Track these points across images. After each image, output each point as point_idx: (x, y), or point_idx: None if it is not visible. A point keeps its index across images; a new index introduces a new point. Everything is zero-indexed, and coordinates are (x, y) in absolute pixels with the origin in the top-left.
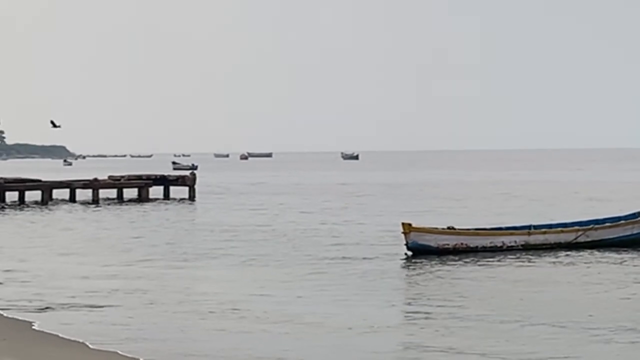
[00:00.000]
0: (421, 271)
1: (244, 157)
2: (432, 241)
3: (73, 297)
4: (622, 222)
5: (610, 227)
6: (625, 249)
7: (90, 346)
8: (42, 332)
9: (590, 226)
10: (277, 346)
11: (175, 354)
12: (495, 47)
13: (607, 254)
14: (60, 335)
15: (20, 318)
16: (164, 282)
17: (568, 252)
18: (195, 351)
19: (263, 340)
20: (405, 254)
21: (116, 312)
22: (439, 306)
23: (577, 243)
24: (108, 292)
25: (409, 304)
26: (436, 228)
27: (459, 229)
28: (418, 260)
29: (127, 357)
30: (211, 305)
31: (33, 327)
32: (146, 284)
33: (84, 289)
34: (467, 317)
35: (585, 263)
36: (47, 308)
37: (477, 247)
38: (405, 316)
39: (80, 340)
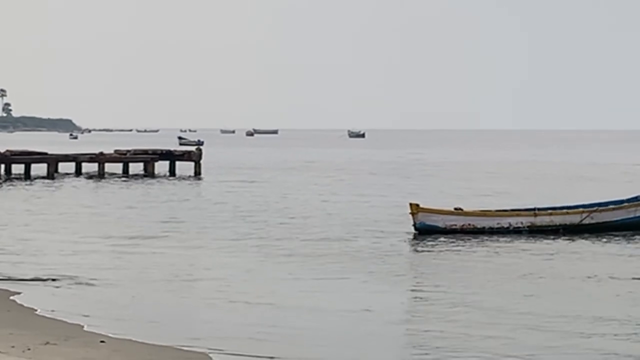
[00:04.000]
0: (429, 251)
1: (249, 134)
2: (440, 222)
3: (64, 271)
4: (626, 204)
5: (614, 209)
6: (628, 231)
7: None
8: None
9: (595, 208)
10: (277, 329)
11: (168, 333)
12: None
13: (611, 237)
14: (38, 310)
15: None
16: (162, 260)
17: (573, 235)
18: (190, 331)
19: (259, 321)
20: (413, 234)
21: (109, 289)
22: (444, 289)
23: (581, 225)
24: (101, 268)
25: (415, 284)
26: (443, 209)
27: (466, 210)
28: (425, 241)
29: (92, 332)
30: (208, 284)
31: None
32: (144, 261)
33: (74, 264)
34: (472, 302)
35: (590, 248)
36: (32, 280)
37: (483, 228)
38: (411, 298)
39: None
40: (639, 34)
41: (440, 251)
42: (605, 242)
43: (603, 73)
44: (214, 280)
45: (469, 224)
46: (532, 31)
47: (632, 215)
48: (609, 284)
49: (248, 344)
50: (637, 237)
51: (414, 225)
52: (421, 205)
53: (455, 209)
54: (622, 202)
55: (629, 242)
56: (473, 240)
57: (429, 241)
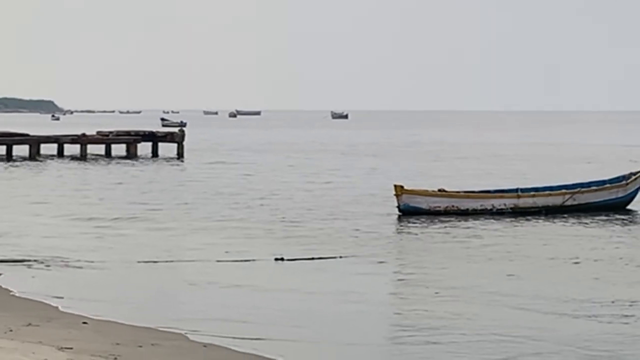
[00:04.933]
0: (413, 233)
1: (232, 115)
2: (424, 203)
3: (46, 253)
4: (608, 185)
5: (596, 190)
6: (610, 211)
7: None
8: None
9: (577, 189)
10: (258, 310)
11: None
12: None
13: (593, 218)
14: (19, 292)
15: None
16: (143, 241)
17: (555, 216)
18: (170, 313)
19: (241, 302)
20: (397, 215)
21: (90, 271)
22: (428, 270)
23: (564, 206)
24: (81, 250)
25: (400, 266)
26: (427, 190)
27: (450, 192)
28: (409, 222)
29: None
30: (189, 266)
31: None
32: (124, 242)
33: (55, 246)
34: (456, 283)
35: (572, 229)
36: (12, 261)
37: (467, 209)
38: (395, 279)
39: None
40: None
41: (424, 233)
42: (587, 223)
43: (592, 54)
44: (194, 262)
45: (453, 206)
46: (517, 13)
47: (614, 197)
48: (590, 266)
49: (228, 325)
50: (618, 218)
51: (398, 206)
52: (405, 187)
53: (439, 190)
54: (604, 182)
55: (610, 223)
56: (457, 221)
57: (412, 223)
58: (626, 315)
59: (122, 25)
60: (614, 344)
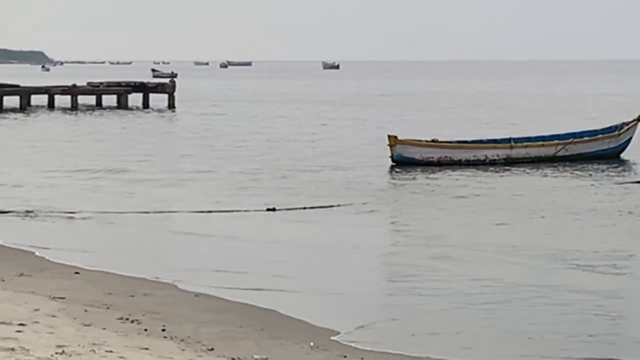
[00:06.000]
0: (406, 184)
1: (223, 66)
2: (417, 154)
3: (37, 204)
4: (600, 136)
5: (588, 141)
6: (601, 160)
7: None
8: None
9: (570, 140)
10: (247, 260)
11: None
12: None
13: (585, 168)
14: (10, 243)
15: None
16: (133, 192)
17: (548, 167)
18: (159, 264)
19: (230, 254)
20: (391, 166)
21: (82, 222)
22: (420, 221)
23: (556, 157)
24: (72, 201)
25: (392, 217)
26: (421, 141)
27: (443, 142)
28: (402, 173)
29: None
30: (178, 217)
31: None
32: (115, 194)
33: (46, 197)
34: (448, 234)
35: (564, 180)
36: (2, 212)
37: (460, 160)
38: (387, 230)
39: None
40: None
41: (417, 183)
42: (579, 174)
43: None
44: (185, 212)
45: (446, 156)
46: None
47: (606, 147)
48: (582, 216)
49: (220, 275)
50: (611, 168)
51: (392, 157)
52: (399, 137)
53: (432, 140)
54: (596, 132)
55: (602, 174)
56: (450, 172)
57: (406, 173)
58: (614, 266)
59: None
60: (603, 293)
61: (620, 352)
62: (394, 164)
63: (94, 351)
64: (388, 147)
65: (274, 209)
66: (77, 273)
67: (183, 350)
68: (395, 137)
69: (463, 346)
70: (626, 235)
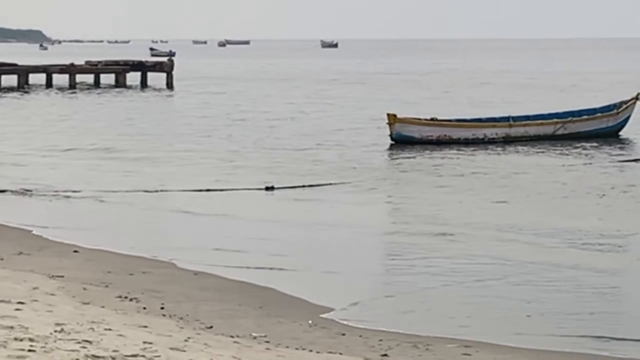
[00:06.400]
0: (404, 163)
1: (222, 44)
2: (416, 132)
3: (34, 183)
4: (599, 114)
5: (587, 119)
6: (600, 139)
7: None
8: None
9: (569, 118)
10: (245, 240)
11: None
12: None
13: (583, 147)
14: (9, 222)
15: None
16: (131, 171)
17: (547, 145)
18: (158, 242)
19: (229, 233)
20: (390, 144)
21: (80, 201)
22: (419, 200)
23: (555, 135)
24: (70, 180)
25: (391, 195)
26: (420, 119)
27: (442, 120)
28: (401, 151)
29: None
30: (176, 196)
31: None
32: (113, 173)
33: (44, 176)
34: (446, 213)
35: (562, 158)
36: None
37: (459, 138)
38: (386, 209)
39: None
40: None
41: (416, 162)
42: (578, 152)
43: None
44: (184, 191)
45: (445, 135)
46: None
47: (604, 125)
48: (579, 195)
49: (218, 254)
50: (609, 146)
51: (391, 135)
52: (398, 116)
53: (431, 119)
54: (595, 111)
55: (602, 153)
56: (449, 150)
57: (404, 152)
58: (613, 244)
59: None
60: (601, 271)
61: (619, 330)
62: (393, 142)
63: (92, 329)
64: (387, 126)
65: (272, 188)
66: (75, 252)
67: (182, 328)
68: (395, 116)
69: (460, 324)
70: (624, 213)
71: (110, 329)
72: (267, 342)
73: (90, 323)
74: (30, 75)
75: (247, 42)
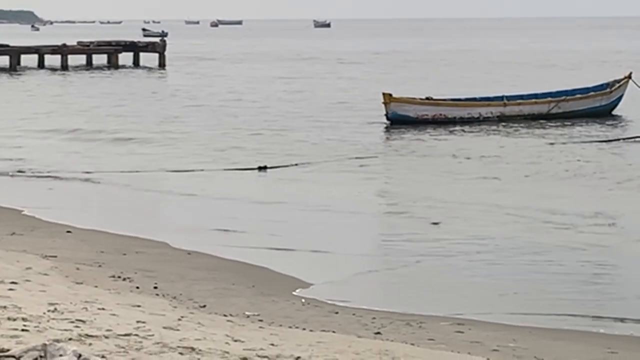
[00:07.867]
0: (400, 142)
1: (214, 25)
2: (412, 111)
3: (27, 164)
4: (592, 93)
5: (580, 98)
6: (593, 119)
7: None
8: None
9: (562, 97)
10: (239, 221)
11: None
12: None
13: (576, 125)
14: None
15: None
16: (125, 151)
17: (541, 124)
18: (151, 223)
19: (223, 214)
20: (385, 124)
21: (73, 182)
22: (414, 180)
23: (549, 114)
24: (63, 162)
25: (386, 177)
26: (415, 98)
27: (437, 100)
28: (397, 131)
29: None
30: (170, 177)
31: None
32: (106, 154)
33: (37, 158)
34: (441, 193)
35: (555, 138)
36: None
37: (454, 117)
38: (381, 190)
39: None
40: None
41: (411, 141)
42: (571, 131)
43: None
44: (177, 172)
45: (441, 114)
46: None
47: (597, 104)
48: (571, 174)
49: (212, 234)
50: (602, 125)
51: (386, 115)
52: (394, 95)
53: (426, 98)
54: (588, 90)
55: (594, 130)
56: (444, 130)
57: (400, 131)
58: (604, 224)
59: None
60: (593, 250)
61: (610, 309)
62: (389, 121)
63: (86, 309)
64: (383, 105)
65: (265, 168)
66: (68, 232)
67: (175, 307)
68: (390, 95)
69: (453, 303)
70: (616, 192)
71: (103, 309)
72: (261, 320)
73: (83, 302)
74: (22, 56)
75: (239, 22)
